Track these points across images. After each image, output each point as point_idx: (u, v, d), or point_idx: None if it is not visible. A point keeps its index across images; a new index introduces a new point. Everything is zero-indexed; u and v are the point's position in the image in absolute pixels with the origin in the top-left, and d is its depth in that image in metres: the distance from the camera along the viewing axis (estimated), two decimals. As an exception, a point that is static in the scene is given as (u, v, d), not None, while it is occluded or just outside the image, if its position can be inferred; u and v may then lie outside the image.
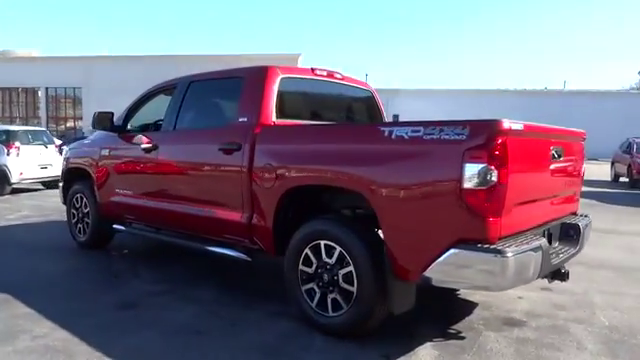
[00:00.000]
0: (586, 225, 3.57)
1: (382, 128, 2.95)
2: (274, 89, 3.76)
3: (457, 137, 2.60)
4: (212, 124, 4.21)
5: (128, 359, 2.86)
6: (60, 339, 3.07)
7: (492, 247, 2.55)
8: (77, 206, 5.59)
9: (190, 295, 3.97)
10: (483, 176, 2.51)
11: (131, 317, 3.50)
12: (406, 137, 2.80)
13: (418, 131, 2.77)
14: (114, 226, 5.15)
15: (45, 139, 11.43)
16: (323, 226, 3.22)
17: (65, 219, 5.97)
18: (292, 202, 3.49)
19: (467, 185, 2.54)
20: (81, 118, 35.97)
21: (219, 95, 4.38)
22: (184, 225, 4.30)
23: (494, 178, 2.51)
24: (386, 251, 2.88)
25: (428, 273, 2.72)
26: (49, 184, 11.53)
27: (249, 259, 3.85)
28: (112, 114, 4.94)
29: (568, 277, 3.22)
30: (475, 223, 2.57)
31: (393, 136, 2.86)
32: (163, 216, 4.45)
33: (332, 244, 3.13)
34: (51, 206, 9.03)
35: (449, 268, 2.65)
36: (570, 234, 3.44)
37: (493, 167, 2.51)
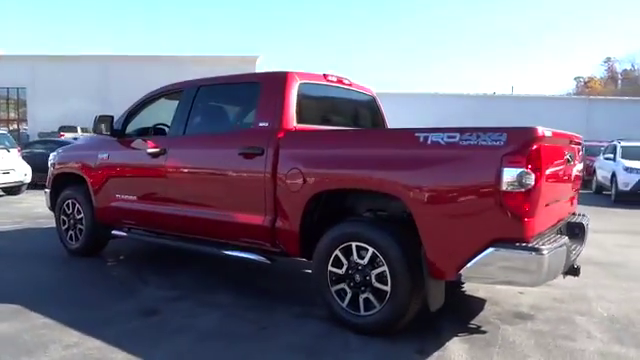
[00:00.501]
0: (588, 223, 3.87)
1: (417, 134, 3.10)
2: (294, 94, 3.84)
3: (495, 143, 2.79)
4: (228, 129, 4.25)
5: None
6: (94, 347, 3.02)
7: (529, 245, 2.74)
8: (68, 212, 5.41)
9: (208, 300, 3.97)
10: (521, 180, 2.70)
11: (157, 324, 3.47)
12: (442, 143, 2.96)
13: (454, 137, 2.93)
14: (113, 232, 5.04)
15: (7, 143, 10.88)
16: (355, 228, 3.33)
17: (43, 226, 5.78)
18: (317, 205, 3.57)
19: (506, 188, 2.73)
20: (25, 120, 34.19)
21: (233, 100, 4.41)
22: (196, 229, 4.29)
23: (531, 181, 2.71)
24: (423, 251, 3.02)
25: (464, 271, 2.89)
26: (11, 190, 10.98)
27: (268, 262, 3.91)
28: (112, 118, 4.85)
29: (580, 272, 3.49)
30: (512, 223, 2.76)
31: (429, 142, 3.01)
32: (170, 221, 4.42)
33: (364, 245, 3.24)
34: (18, 213, 8.67)
35: (486, 266, 2.82)
36: (575, 232, 3.72)
37: (530, 171, 2.71)
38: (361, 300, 3.28)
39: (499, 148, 2.77)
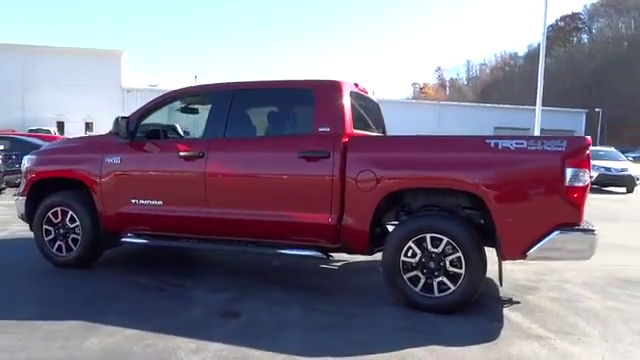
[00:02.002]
0: None
1: (488, 140, 3.72)
2: (348, 101, 4.20)
3: (558, 148, 3.53)
4: (280, 132, 4.39)
5: (310, 351, 3.08)
6: (224, 349, 3.06)
7: (585, 228, 3.54)
8: (55, 221, 4.94)
9: (269, 298, 4.11)
10: (580, 177, 3.49)
11: (252, 323, 3.58)
12: (512, 148, 3.63)
13: (522, 143, 3.61)
14: (124, 239, 4.78)
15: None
16: (430, 221, 3.83)
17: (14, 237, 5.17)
18: (387, 203, 3.99)
19: (569, 184, 3.49)
20: None
21: (280, 104, 4.56)
22: (243, 231, 4.36)
23: (586, 178, 3.51)
24: (498, 238, 3.65)
25: (532, 251, 3.59)
26: None
27: (325, 257, 4.21)
28: (128, 119, 4.62)
29: None
30: (572, 211, 3.54)
31: (500, 147, 3.65)
32: (210, 224, 4.41)
33: (438, 236, 3.76)
34: None
35: (551, 246, 3.56)
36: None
37: (586, 170, 3.50)
38: (435, 284, 3.79)
39: (562, 153, 3.52)
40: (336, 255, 4.40)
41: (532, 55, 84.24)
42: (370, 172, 3.90)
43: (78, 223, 4.85)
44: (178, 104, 4.95)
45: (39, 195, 5.07)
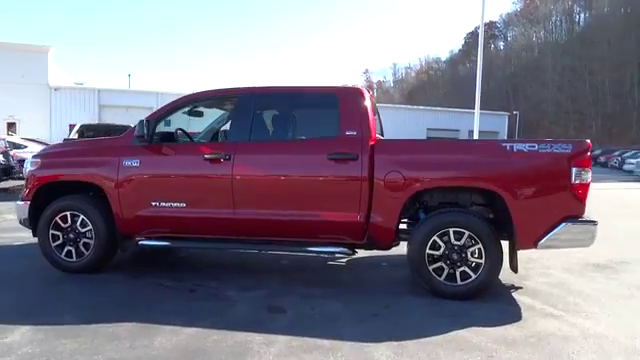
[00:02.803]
0: None
1: (504, 144, 4.18)
2: (370, 106, 4.52)
3: (565, 151, 4.06)
4: (306, 136, 4.60)
5: (371, 337, 3.34)
6: (295, 341, 3.27)
7: (587, 219, 4.09)
8: (64, 226, 4.82)
9: (301, 293, 4.32)
10: (584, 175, 4.03)
11: (300, 316, 3.79)
12: (525, 150, 4.11)
13: (534, 147, 4.11)
14: (142, 242, 4.78)
15: None
16: (453, 217, 4.23)
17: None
18: (412, 201, 4.35)
19: (575, 181, 4.02)
20: None
21: (306, 109, 4.77)
22: (271, 231, 4.53)
23: (588, 176, 4.07)
24: (515, 230, 4.11)
25: (543, 241, 4.09)
26: None
27: (351, 253, 4.50)
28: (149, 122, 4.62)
29: None
30: (577, 205, 4.08)
31: (515, 150, 4.12)
32: (238, 224, 4.53)
33: (460, 230, 4.17)
34: None
35: (560, 236, 4.07)
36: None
37: (588, 169, 4.06)
38: (458, 273, 4.20)
39: (568, 154, 4.05)
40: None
41: (453, 60, 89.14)
42: (398, 173, 4.24)
43: (90, 227, 4.78)
44: (193, 107, 4.99)
45: (43, 200, 4.93)
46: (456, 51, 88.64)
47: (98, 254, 4.80)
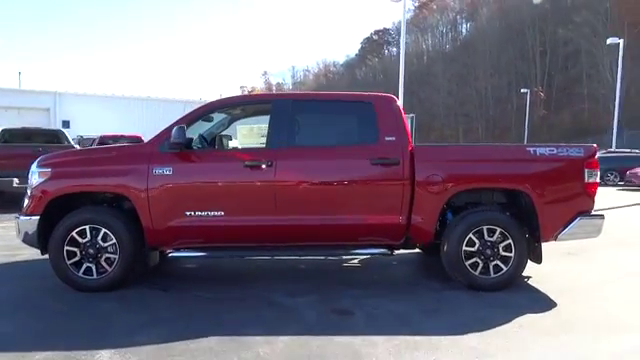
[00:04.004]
0: None
1: (528, 149, 4.66)
2: (403, 113, 4.78)
3: (578, 154, 4.64)
4: (344, 142, 4.71)
5: (453, 330, 3.58)
6: (395, 340, 3.40)
7: (597, 214, 4.71)
8: (81, 242, 4.44)
9: (352, 295, 4.44)
10: (594, 176, 4.64)
11: (368, 316, 3.92)
12: (547, 154, 4.62)
13: (553, 150, 4.64)
14: (172, 254, 4.57)
15: None
16: (487, 215, 4.62)
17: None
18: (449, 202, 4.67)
19: (587, 181, 4.62)
20: None
21: (342, 116, 4.85)
22: (313, 236, 4.58)
23: (597, 176, 4.69)
24: (539, 225, 4.60)
25: (561, 235, 4.64)
26: None
27: (390, 253, 4.72)
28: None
29: None
30: (588, 202, 4.68)
31: (538, 154, 4.62)
32: (279, 231, 4.53)
33: (493, 227, 4.58)
34: None
35: (575, 229, 4.65)
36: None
37: (597, 170, 4.68)
38: (491, 267, 4.61)
39: (581, 157, 4.63)
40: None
41: (350, 64, 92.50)
42: (438, 176, 4.53)
43: (114, 241, 4.46)
44: (230, 113, 4.87)
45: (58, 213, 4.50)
46: (353, 55, 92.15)
47: (124, 269, 4.49)
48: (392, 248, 4.72)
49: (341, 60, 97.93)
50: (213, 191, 4.53)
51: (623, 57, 27.82)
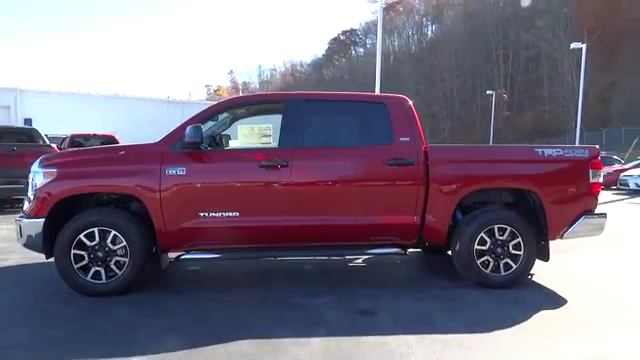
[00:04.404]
0: None
1: (537, 150, 4.78)
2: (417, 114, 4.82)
3: (583, 155, 4.79)
4: (358, 142, 4.71)
5: (482, 328, 3.63)
6: (427, 338, 3.43)
7: (600, 213, 4.88)
8: (89, 245, 4.28)
9: (369, 295, 4.44)
10: (597, 176, 4.81)
11: (391, 316, 3.93)
12: (554, 155, 4.76)
13: (560, 151, 4.78)
14: (184, 257, 4.46)
15: None
16: (497, 215, 4.71)
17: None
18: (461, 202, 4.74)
19: (591, 181, 4.78)
20: None
21: (356, 116, 4.83)
22: (329, 236, 4.57)
23: (600, 177, 4.85)
24: (547, 224, 4.73)
25: (567, 233, 4.79)
26: None
27: (403, 253, 4.75)
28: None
29: None
30: (592, 201, 4.84)
31: (546, 155, 4.75)
32: (295, 231, 4.49)
33: (503, 226, 4.68)
34: None
35: (580, 228, 4.80)
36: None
37: (601, 171, 4.84)
38: (501, 265, 4.70)
39: (586, 158, 4.79)
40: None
41: (318, 64, 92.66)
42: (452, 176, 4.60)
43: (124, 244, 4.32)
44: (238, 112, 4.79)
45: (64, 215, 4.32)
46: (320, 55, 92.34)
47: (134, 272, 4.35)
48: (405, 247, 4.76)
49: (308, 60, 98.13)
50: (228, 192, 4.45)
51: (585, 61, 28.83)
